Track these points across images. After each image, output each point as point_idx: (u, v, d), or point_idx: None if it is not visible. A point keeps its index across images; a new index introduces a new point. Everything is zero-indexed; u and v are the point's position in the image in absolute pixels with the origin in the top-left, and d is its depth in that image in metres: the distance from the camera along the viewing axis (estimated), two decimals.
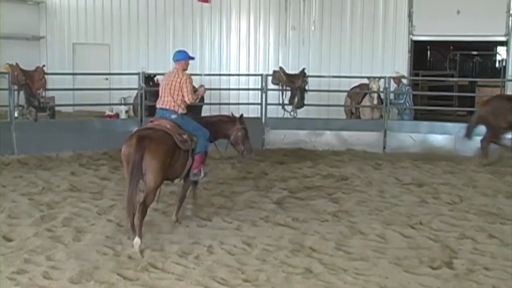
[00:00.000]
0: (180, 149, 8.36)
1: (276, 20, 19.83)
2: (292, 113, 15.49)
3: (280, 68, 15.89)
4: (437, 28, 18.49)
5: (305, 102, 15.54)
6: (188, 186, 9.13)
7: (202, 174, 9.03)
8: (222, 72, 19.98)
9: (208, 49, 20.45)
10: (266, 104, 15.34)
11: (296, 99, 15.43)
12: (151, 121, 8.91)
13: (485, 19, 18.05)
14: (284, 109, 15.56)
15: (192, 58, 9.22)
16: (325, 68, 18.76)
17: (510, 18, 18.06)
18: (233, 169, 12.54)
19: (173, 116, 8.68)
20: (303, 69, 15.74)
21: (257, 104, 15.49)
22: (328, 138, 14.88)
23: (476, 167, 12.75)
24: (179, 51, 9.20)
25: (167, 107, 8.74)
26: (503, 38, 18.56)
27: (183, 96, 8.74)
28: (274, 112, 15.84)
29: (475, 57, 27.06)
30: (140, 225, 7.70)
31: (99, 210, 9.27)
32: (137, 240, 7.59)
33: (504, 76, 19.49)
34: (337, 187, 11.01)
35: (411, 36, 18.79)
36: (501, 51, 24.33)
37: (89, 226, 8.54)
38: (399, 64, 18.41)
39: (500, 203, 10.04)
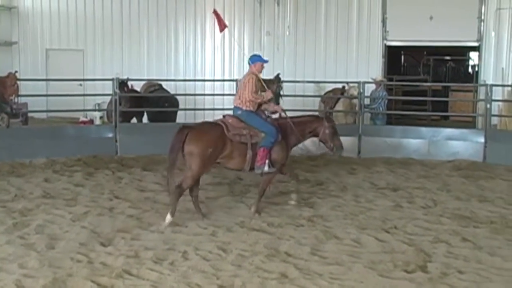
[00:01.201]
0: (233, 141, 9.16)
1: (250, 25, 19.89)
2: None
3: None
4: (411, 34, 18.69)
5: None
6: (268, 179, 9.69)
7: (266, 167, 9.40)
8: (197, 78, 19.95)
9: (183, 55, 20.44)
10: None
11: None
12: (223, 116, 9.80)
13: (458, 25, 18.30)
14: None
15: (266, 61, 9.81)
16: (300, 73, 18.85)
17: (482, 23, 18.30)
18: (208, 174, 12.44)
19: (239, 112, 9.52)
20: (278, 74, 15.75)
21: (232, 109, 15.45)
22: (302, 143, 14.87)
23: (450, 171, 12.86)
24: (254, 55, 9.92)
25: (235, 104, 9.65)
26: (475, 44, 18.80)
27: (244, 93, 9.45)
28: None
29: (448, 62, 27.35)
30: (173, 205, 8.81)
31: (73, 217, 9.16)
32: (168, 216, 8.74)
33: (476, 81, 19.71)
34: (312, 192, 11.03)
35: (385, 41, 18.96)
36: (474, 56, 24.63)
37: (63, 233, 8.43)
38: (373, 69, 18.56)
39: (473, 206, 10.13)
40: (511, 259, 7.54)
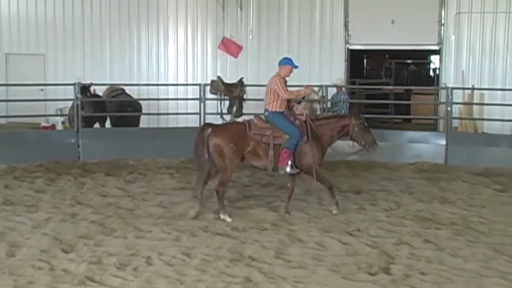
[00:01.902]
0: (255, 141, 9.46)
1: (213, 29, 19.87)
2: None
3: (218, 77, 15.87)
4: (373, 37, 18.86)
5: (244, 111, 15.56)
6: (322, 181, 9.85)
7: (288, 168, 9.52)
8: (160, 82, 19.83)
9: (146, 59, 20.31)
10: (205, 113, 15.32)
11: (234, 108, 15.42)
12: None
13: (419, 29, 18.52)
14: (223, 119, 15.54)
15: (296, 67, 9.85)
16: (263, 77, 18.82)
17: (442, 27, 18.55)
18: (172, 179, 12.46)
19: (265, 113, 9.73)
20: (241, 78, 15.77)
21: (196, 114, 15.45)
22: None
23: (412, 173, 13.00)
24: (285, 58, 10.05)
25: (263, 105, 9.86)
26: (436, 47, 19.05)
27: (278, 94, 9.56)
28: (213, 121, 15.78)
29: (410, 65, 27.65)
30: (220, 203, 9.45)
31: (34, 224, 9.03)
32: (222, 216, 9.33)
33: (437, 84, 19.97)
34: (276, 195, 11.03)
35: (347, 45, 19.08)
36: (435, 60, 24.95)
37: (24, 240, 8.29)
38: (336, 72, 18.67)
39: (435, 208, 10.26)
40: (472, 260, 7.64)
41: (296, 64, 9.84)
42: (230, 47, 9.68)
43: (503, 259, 7.68)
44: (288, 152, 9.49)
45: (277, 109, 9.64)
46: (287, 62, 9.80)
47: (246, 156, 9.62)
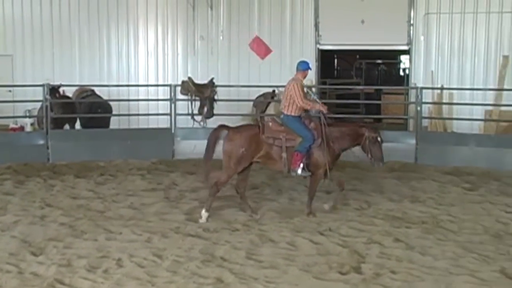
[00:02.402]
0: (268, 143, 9.58)
1: (184, 29, 19.79)
2: (201, 123, 15.47)
3: (189, 78, 15.85)
4: (343, 38, 18.94)
5: (215, 112, 15.56)
6: (313, 182, 9.88)
7: (299, 170, 9.59)
8: (130, 83, 19.69)
9: (116, 60, 20.14)
10: (176, 114, 15.27)
11: (205, 109, 15.42)
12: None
13: (388, 29, 18.64)
14: (194, 119, 15.53)
15: (310, 69, 10.12)
16: (234, 77, 18.86)
17: (411, 28, 18.71)
18: (143, 180, 12.40)
19: (281, 116, 9.84)
20: (212, 79, 15.76)
21: (167, 114, 15.39)
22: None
23: (383, 173, 13.08)
24: (303, 61, 10.13)
25: (280, 108, 10.00)
26: (405, 47, 19.20)
27: (293, 100, 9.63)
28: (184, 122, 15.80)
29: (380, 65, 27.83)
30: (208, 201, 9.54)
31: (2, 226, 8.92)
32: (203, 212, 9.40)
33: (407, 84, 20.13)
34: (247, 196, 11.01)
35: (317, 45, 19.14)
36: (404, 60, 25.14)
37: None
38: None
39: (406, 207, 10.35)
40: (441, 258, 7.72)
41: (311, 66, 10.13)
42: (260, 47, 9.69)
43: (472, 257, 7.78)
44: (300, 155, 9.56)
45: (293, 113, 9.71)
46: (306, 67, 9.96)
47: (259, 160, 9.73)
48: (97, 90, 16.60)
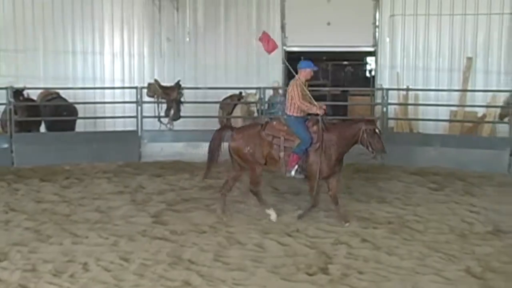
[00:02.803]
0: (269, 142, 9.58)
1: (150, 31, 19.66)
2: (168, 125, 15.42)
3: (155, 80, 15.78)
4: (309, 39, 18.98)
5: (181, 114, 15.51)
6: (310, 187, 9.74)
7: (293, 172, 9.57)
8: (96, 85, 19.50)
9: (81, 62, 19.91)
10: (142, 117, 15.19)
11: (172, 111, 15.37)
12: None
13: (354, 31, 18.76)
14: (160, 122, 15.46)
15: (315, 69, 10.00)
16: (201, 79, 18.80)
17: (377, 29, 18.85)
18: (109, 183, 12.31)
19: (285, 117, 9.84)
20: (178, 81, 15.70)
21: (133, 117, 15.30)
22: (205, 150, 14.82)
23: (351, 174, 13.15)
24: (301, 61, 10.13)
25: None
26: (371, 49, 19.34)
27: (293, 99, 9.61)
28: (151, 124, 15.71)
29: (347, 67, 27.98)
30: (260, 201, 9.83)
31: None
32: (270, 211, 9.68)
33: (373, 85, 20.27)
34: (215, 198, 10.98)
35: (284, 47, 19.16)
36: (370, 61, 25.31)
37: None
38: (274, 74, 18.73)
39: (373, 208, 10.42)
40: (407, 258, 7.79)
41: (313, 67, 9.92)
42: (268, 42, 9.59)
43: (438, 256, 7.87)
44: (295, 156, 9.51)
45: (294, 113, 9.66)
46: (305, 66, 9.85)
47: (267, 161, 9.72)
48: (62, 92, 16.42)
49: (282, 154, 9.57)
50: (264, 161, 9.67)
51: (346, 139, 9.56)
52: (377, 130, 9.52)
